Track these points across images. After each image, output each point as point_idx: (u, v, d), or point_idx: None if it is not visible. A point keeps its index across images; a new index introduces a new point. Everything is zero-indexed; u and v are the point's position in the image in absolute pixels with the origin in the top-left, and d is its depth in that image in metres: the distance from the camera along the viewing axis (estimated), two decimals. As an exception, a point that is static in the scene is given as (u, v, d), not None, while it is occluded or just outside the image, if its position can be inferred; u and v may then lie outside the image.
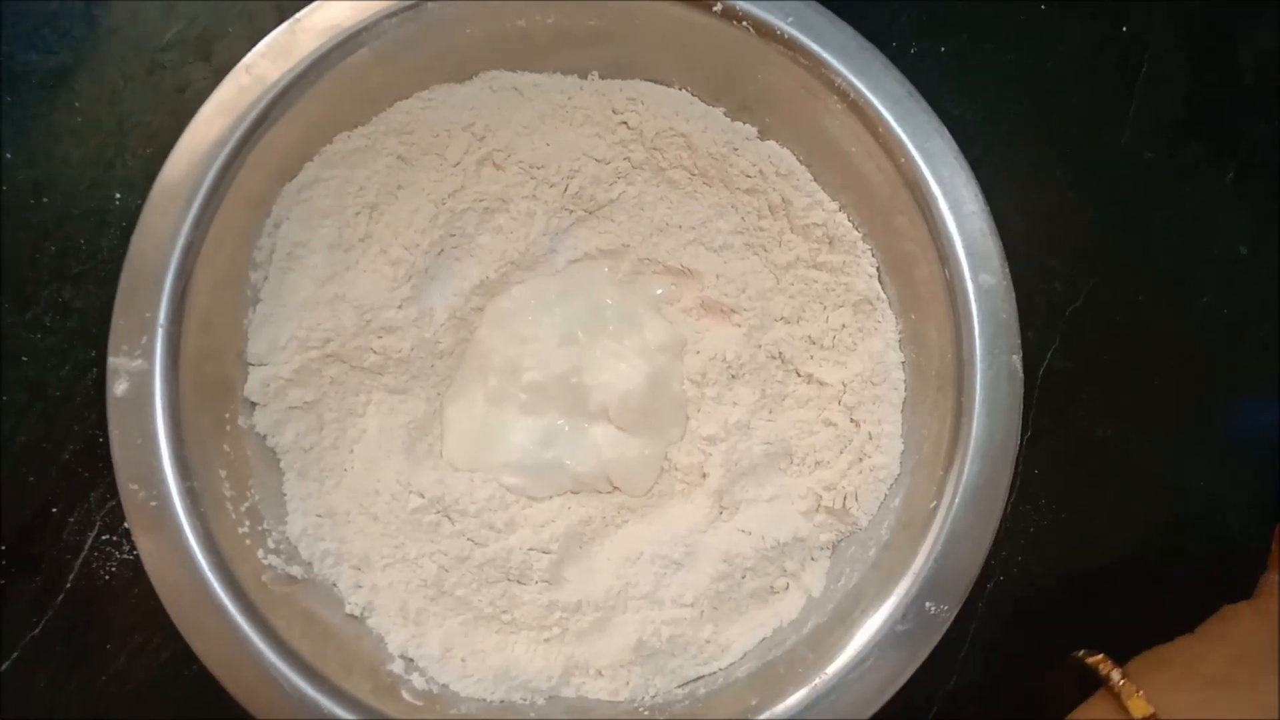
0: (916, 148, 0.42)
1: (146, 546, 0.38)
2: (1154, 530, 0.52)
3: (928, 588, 0.39)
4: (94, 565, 0.47)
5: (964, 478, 0.40)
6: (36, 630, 0.46)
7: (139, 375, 0.39)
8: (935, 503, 0.41)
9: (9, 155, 0.49)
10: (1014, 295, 0.42)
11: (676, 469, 0.47)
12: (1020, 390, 0.41)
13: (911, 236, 0.44)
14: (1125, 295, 0.53)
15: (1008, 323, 0.41)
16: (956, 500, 0.40)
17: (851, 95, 0.43)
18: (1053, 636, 0.50)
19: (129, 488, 0.38)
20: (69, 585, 0.47)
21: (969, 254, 0.42)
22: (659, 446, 0.47)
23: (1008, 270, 0.42)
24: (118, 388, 0.39)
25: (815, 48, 0.43)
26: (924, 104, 0.43)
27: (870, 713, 0.39)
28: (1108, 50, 0.55)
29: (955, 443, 0.41)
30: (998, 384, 0.41)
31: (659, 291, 0.49)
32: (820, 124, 0.45)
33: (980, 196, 0.42)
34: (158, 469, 0.38)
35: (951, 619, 0.39)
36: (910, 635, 0.39)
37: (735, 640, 0.44)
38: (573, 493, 0.47)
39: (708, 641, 0.44)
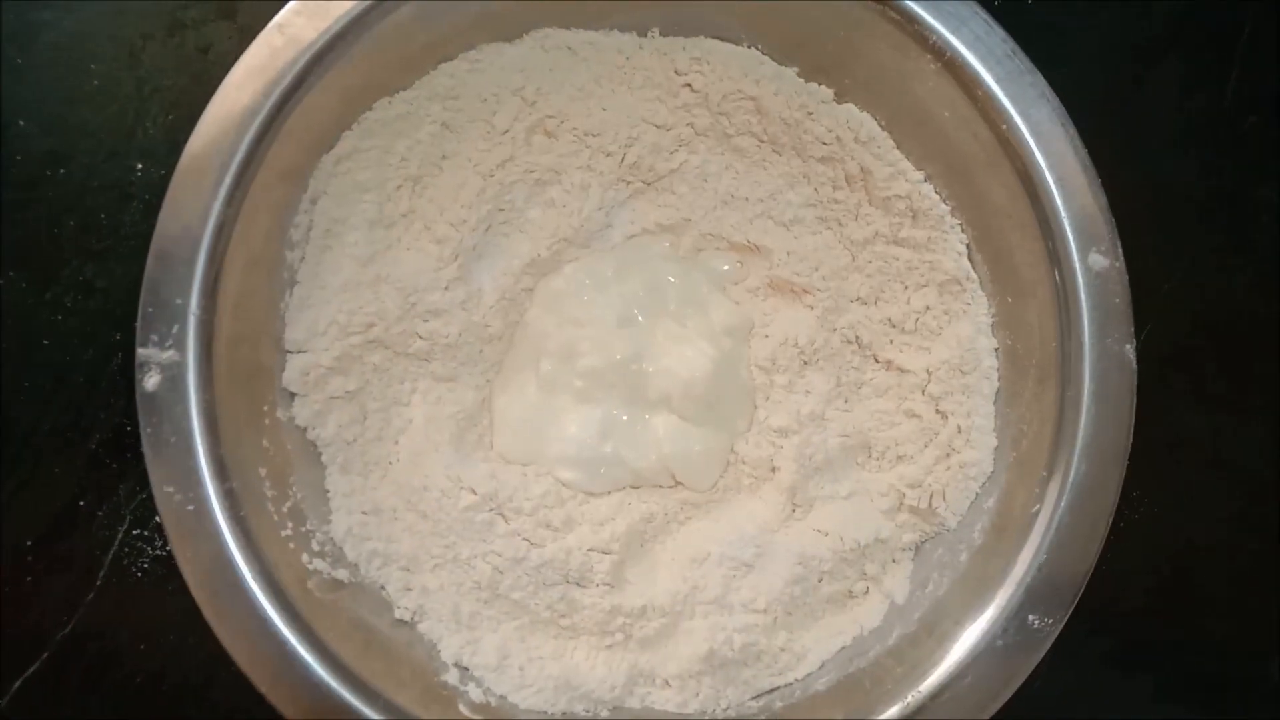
0: (1020, 114, 0.38)
1: (185, 553, 0.35)
2: (1251, 529, 0.48)
3: (1030, 599, 0.36)
4: (125, 562, 0.44)
5: (1070, 479, 0.37)
6: (67, 629, 0.44)
7: (171, 368, 0.36)
8: (1037, 506, 0.37)
9: (23, 122, 0.46)
10: (1127, 278, 0.38)
11: (744, 463, 0.44)
12: (1133, 383, 0.37)
13: (1010, 211, 0.40)
14: (1223, 275, 0.49)
15: (1121, 309, 0.37)
16: (1063, 504, 0.37)
17: (948, 54, 0.39)
18: (1141, 639, 0.47)
19: (164, 490, 0.35)
20: (99, 583, 0.44)
21: (1077, 231, 0.38)
22: (725, 438, 0.44)
23: (1120, 251, 0.38)
24: (148, 381, 0.36)
25: (908, 0, 0.39)
26: (1029, 65, 0.39)
27: (967, 734, 0.36)
28: (1208, 7, 0.50)
29: (1060, 440, 0.37)
30: (1108, 376, 0.37)
31: (725, 269, 0.45)
32: (907, 86, 0.41)
33: (1091, 168, 0.38)
34: (194, 470, 0.35)
35: (1056, 633, 0.36)
36: (1011, 650, 0.36)
37: (812, 649, 0.41)
38: (632, 488, 0.44)
39: (782, 650, 0.41)
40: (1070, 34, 0.49)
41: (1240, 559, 0.48)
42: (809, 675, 0.40)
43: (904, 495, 0.42)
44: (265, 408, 0.40)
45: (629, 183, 0.45)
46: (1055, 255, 0.38)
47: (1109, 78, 0.49)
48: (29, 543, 0.44)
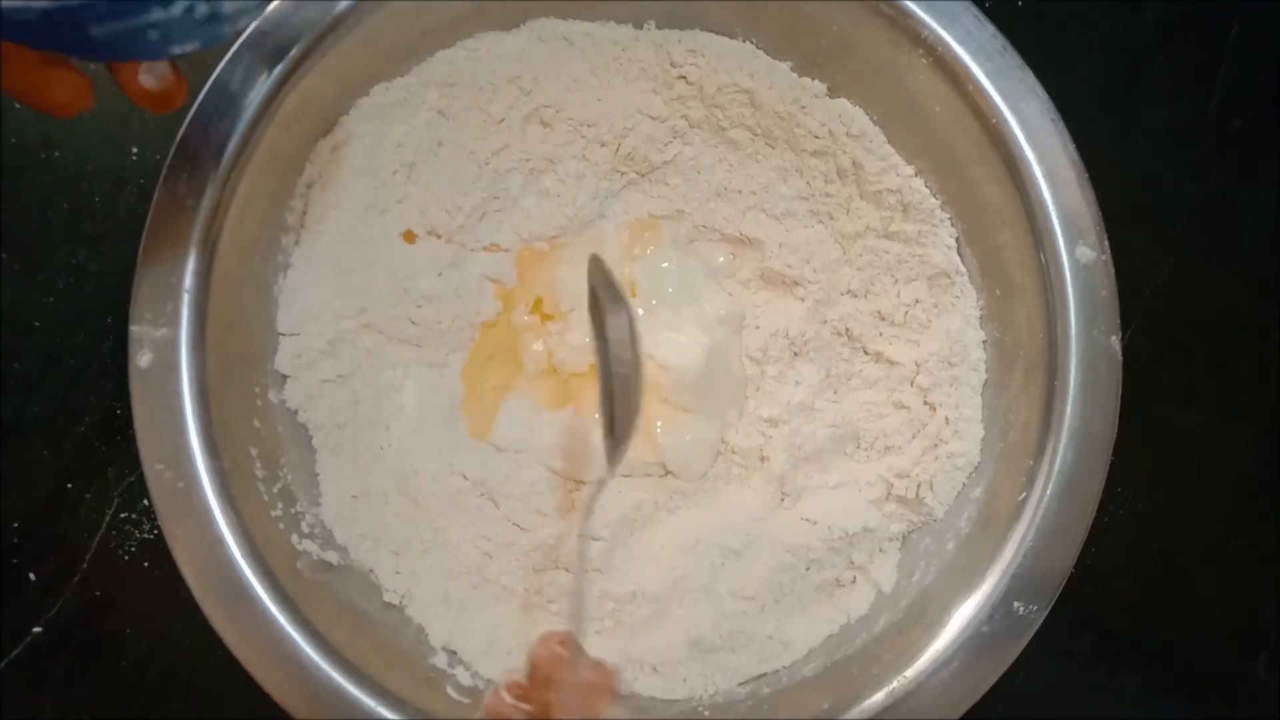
0: (1010, 109, 0.39)
1: (174, 532, 0.35)
2: (1237, 527, 0.48)
3: (1016, 586, 0.37)
4: (112, 545, 0.44)
5: (1056, 469, 0.37)
6: (51, 614, 0.44)
7: (164, 345, 0.36)
8: (1024, 495, 0.38)
9: (17, 104, 0.45)
10: (1113, 271, 0.38)
11: (734, 452, 0.44)
12: (1119, 375, 0.38)
13: (999, 205, 0.40)
14: (1209, 274, 0.50)
15: (1107, 301, 0.38)
16: (1048, 493, 0.37)
17: (939, 49, 0.39)
18: (1128, 637, 0.47)
19: (155, 468, 0.35)
20: (85, 566, 0.44)
21: (1064, 225, 0.38)
22: (715, 428, 0.44)
23: (1107, 244, 0.38)
24: (141, 359, 0.36)
25: (900, -4, 0.39)
26: (1019, 60, 0.39)
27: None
28: (1196, 10, 0.51)
29: (1047, 431, 0.38)
30: (1094, 367, 0.38)
31: (719, 260, 0.46)
32: (899, 81, 0.42)
33: (1079, 163, 0.39)
34: (185, 448, 0.35)
35: (1040, 621, 0.37)
36: (996, 637, 0.37)
37: (799, 636, 0.41)
38: (623, 475, 0.44)
39: (770, 637, 0.41)
40: (1059, 34, 0.50)
41: (1227, 557, 0.48)
42: (796, 662, 0.41)
43: (892, 485, 0.42)
44: (257, 389, 0.40)
45: (623, 173, 0.45)
46: (1043, 248, 0.39)
47: (1097, 78, 0.50)
48: (15, 525, 0.44)
